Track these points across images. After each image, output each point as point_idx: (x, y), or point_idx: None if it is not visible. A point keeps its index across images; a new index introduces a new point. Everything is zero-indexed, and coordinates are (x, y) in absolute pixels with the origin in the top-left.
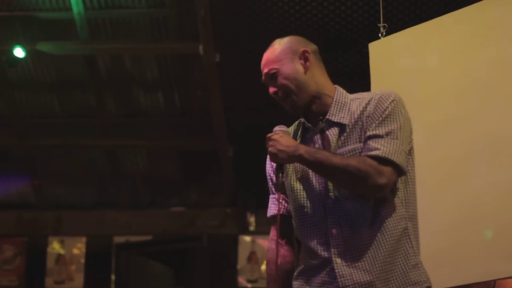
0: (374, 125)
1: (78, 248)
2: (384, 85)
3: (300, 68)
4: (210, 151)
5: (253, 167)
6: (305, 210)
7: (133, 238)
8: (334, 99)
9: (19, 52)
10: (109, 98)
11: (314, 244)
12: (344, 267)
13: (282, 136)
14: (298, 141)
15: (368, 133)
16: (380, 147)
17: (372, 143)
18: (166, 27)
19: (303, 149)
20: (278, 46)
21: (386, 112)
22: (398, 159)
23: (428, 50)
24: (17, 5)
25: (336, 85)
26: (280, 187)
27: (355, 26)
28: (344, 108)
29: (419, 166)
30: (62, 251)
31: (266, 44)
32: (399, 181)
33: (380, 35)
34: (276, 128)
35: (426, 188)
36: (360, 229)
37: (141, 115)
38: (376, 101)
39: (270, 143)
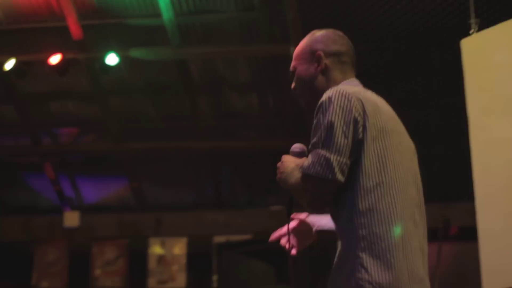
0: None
1: (179, 248)
2: (479, 81)
3: (313, 71)
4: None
5: None
6: None
7: (233, 238)
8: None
9: (112, 58)
10: (203, 101)
11: None
12: None
13: (282, 162)
14: None
15: None
16: (304, 163)
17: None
18: (256, 29)
19: (284, 174)
20: (305, 41)
21: (314, 122)
22: (315, 170)
23: None
24: (108, 13)
25: (351, 80)
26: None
27: (446, 23)
28: None
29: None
30: (163, 252)
31: (355, 42)
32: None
33: (472, 31)
34: (292, 149)
35: None
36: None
37: (235, 117)
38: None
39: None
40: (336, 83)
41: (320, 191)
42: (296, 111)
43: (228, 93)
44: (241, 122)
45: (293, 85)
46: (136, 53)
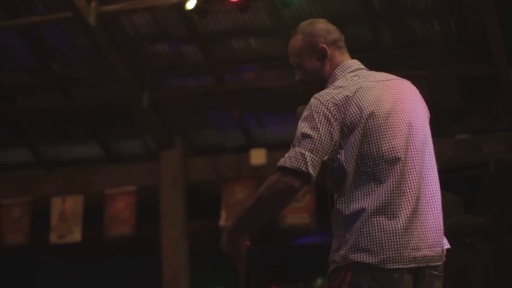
0: None
1: None
2: None
3: (318, 64)
4: (490, 75)
5: None
6: None
7: None
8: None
9: None
10: (384, 30)
11: None
12: None
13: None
14: None
15: None
16: (281, 158)
17: None
18: None
19: (227, 229)
20: (300, 37)
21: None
22: (291, 163)
23: None
24: None
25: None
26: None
27: None
28: None
29: None
30: None
31: None
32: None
33: None
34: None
35: None
36: None
37: (418, 45)
38: None
39: None
40: (338, 66)
41: (293, 182)
42: (479, 36)
43: (410, 20)
44: (423, 50)
45: (297, 77)
46: None
